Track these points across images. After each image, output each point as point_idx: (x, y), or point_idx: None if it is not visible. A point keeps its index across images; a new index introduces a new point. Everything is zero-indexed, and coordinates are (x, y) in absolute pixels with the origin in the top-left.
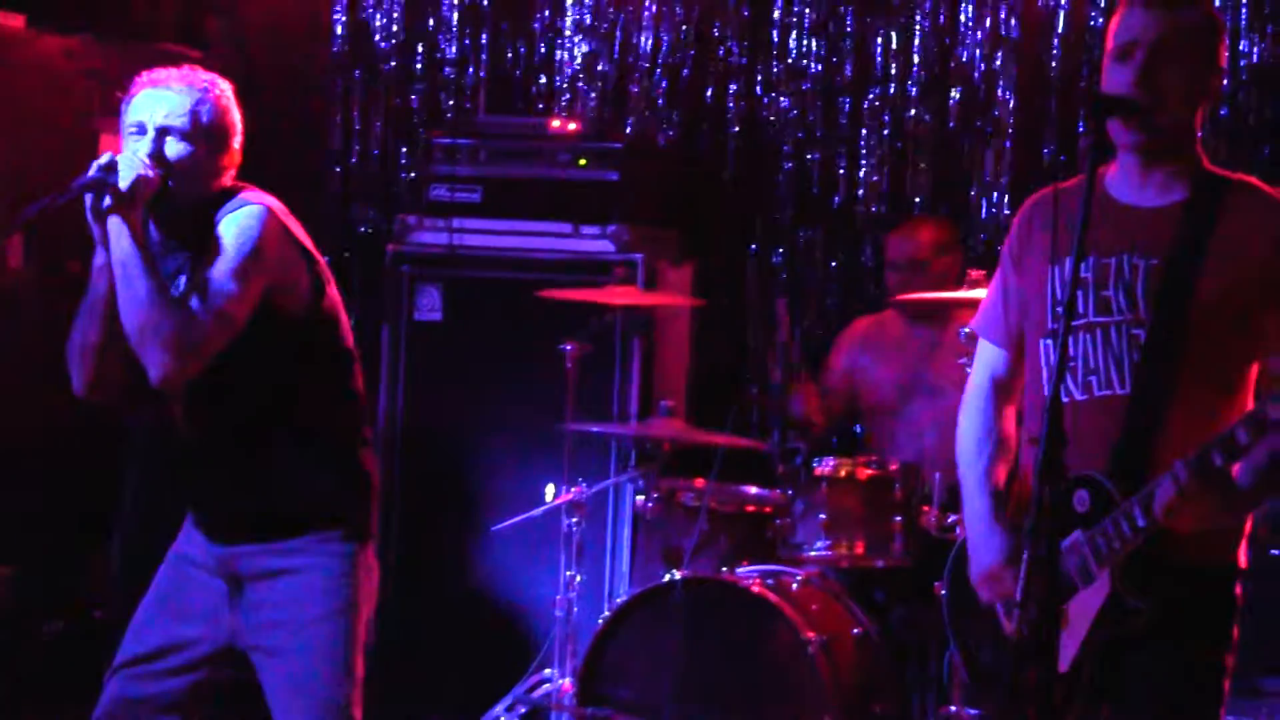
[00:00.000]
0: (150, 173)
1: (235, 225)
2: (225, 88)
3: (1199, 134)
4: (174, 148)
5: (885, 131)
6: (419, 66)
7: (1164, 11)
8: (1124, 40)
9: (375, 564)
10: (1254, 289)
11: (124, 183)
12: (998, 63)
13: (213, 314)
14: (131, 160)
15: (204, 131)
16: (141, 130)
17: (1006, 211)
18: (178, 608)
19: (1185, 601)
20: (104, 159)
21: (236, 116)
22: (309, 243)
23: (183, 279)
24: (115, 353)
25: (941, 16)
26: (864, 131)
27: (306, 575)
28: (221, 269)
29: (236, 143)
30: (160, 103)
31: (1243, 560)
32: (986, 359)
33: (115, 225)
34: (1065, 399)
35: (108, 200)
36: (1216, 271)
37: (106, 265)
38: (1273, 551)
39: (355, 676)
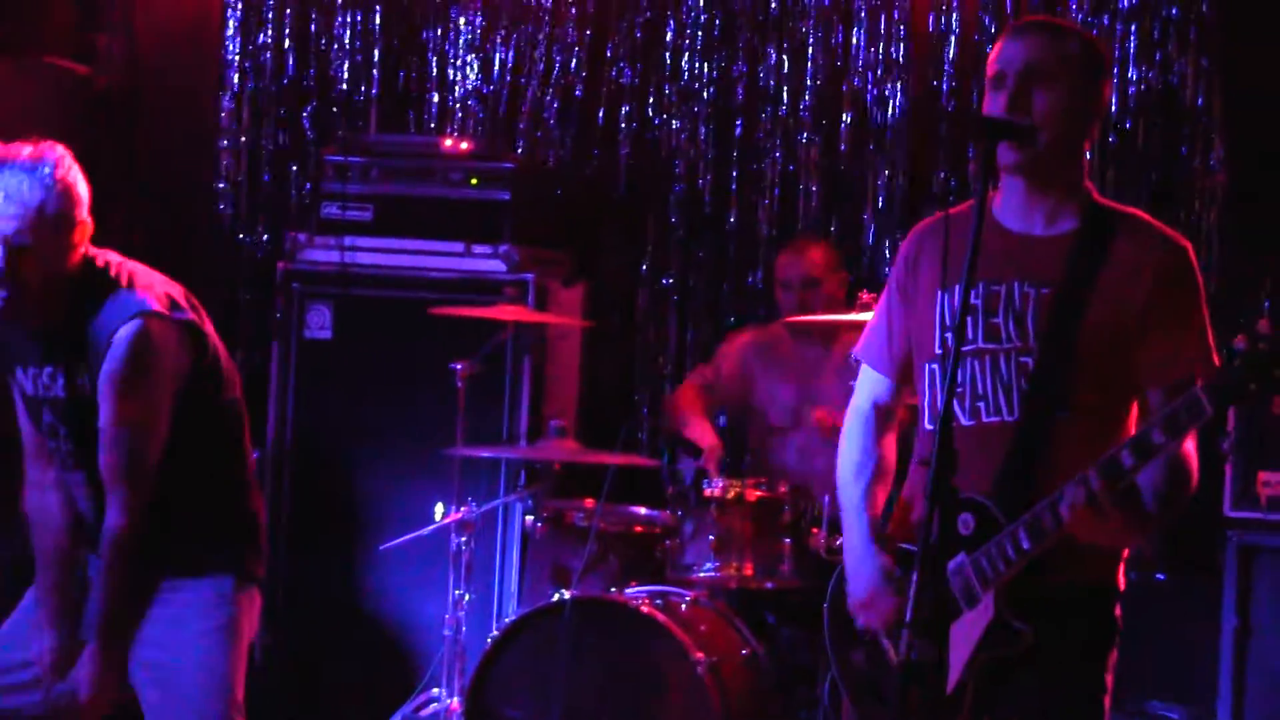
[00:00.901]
0: None
1: (115, 365)
2: (64, 161)
3: (1085, 167)
4: (25, 257)
5: (777, 154)
6: (310, 84)
7: (1035, 39)
8: (996, 70)
9: (258, 600)
10: (1137, 322)
11: None
12: (889, 86)
13: (135, 471)
14: None
15: (51, 224)
16: None
17: (896, 235)
18: (53, 622)
19: (1067, 623)
20: None
21: (81, 188)
22: (185, 306)
23: (60, 379)
24: None
25: (833, 40)
26: (755, 153)
27: (187, 597)
28: (119, 411)
29: (84, 211)
30: (2, 214)
31: (1121, 583)
32: (869, 385)
33: None
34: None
35: None
36: (1105, 303)
37: None
38: (1159, 576)
39: (235, 698)
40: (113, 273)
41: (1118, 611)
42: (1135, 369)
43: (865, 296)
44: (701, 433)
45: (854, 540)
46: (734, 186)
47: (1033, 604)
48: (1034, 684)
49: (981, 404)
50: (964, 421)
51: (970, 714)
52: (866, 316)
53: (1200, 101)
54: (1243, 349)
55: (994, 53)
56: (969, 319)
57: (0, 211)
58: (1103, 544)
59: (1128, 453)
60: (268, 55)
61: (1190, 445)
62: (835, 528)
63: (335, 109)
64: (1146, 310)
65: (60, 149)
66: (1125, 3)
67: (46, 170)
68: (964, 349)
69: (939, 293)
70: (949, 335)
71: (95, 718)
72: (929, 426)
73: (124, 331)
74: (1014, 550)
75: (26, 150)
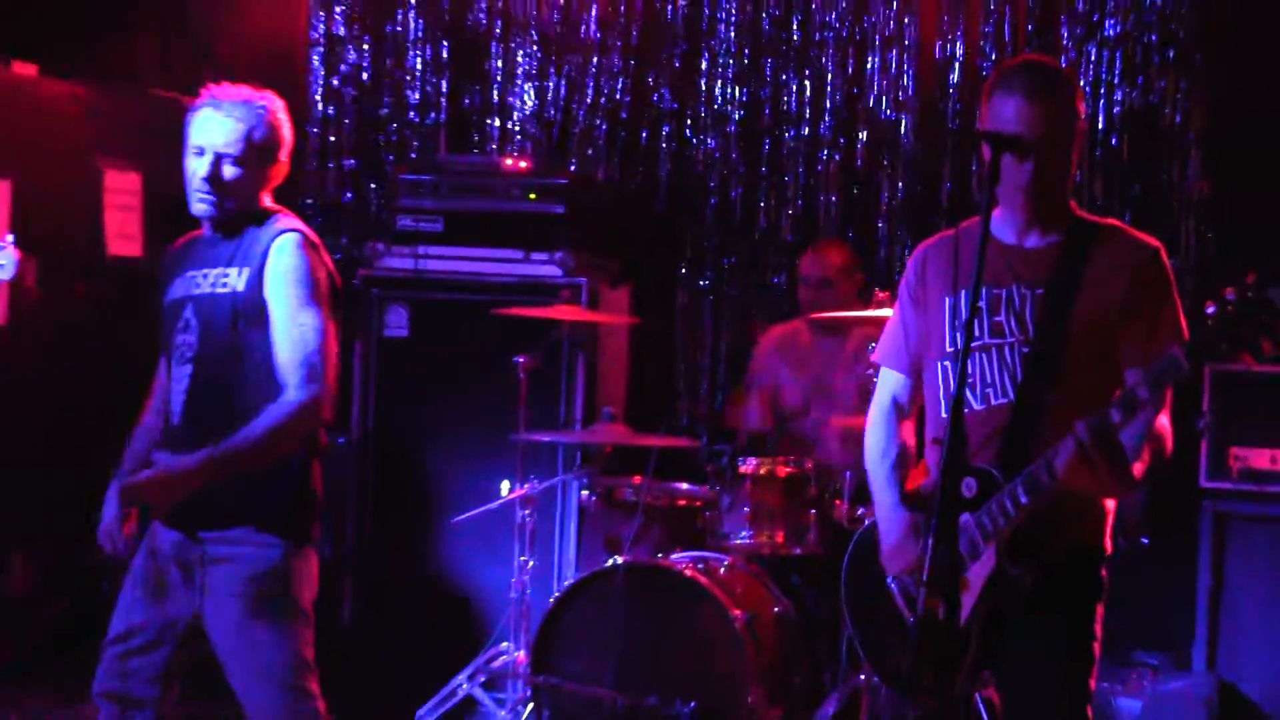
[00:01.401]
0: None
1: (286, 262)
2: (277, 106)
3: (1069, 188)
4: (229, 171)
5: (800, 169)
6: (386, 111)
7: (1042, 108)
8: (1015, 132)
9: (314, 562)
10: (1117, 315)
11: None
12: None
13: (317, 359)
14: None
15: (255, 151)
16: (201, 153)
17: (907, 240)
18: (149, 591)
19: (1059, 579)
20: None
21: (286, 132)
22: (329, 262)
23: (210, 277)
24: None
25: (849, 67)
26: (780, 169)
27: (248, 564)
28: (291, 317)
29: (284, 154)
30: (219, 129)
31: (1108, 547)
32: (889, 384)
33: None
34: (966, 410)
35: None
36: (1089, 300)
37: None
38: (1144, 540)
39: (302, 658)
40: (279, 211)
41: (1104, 573)
42: (1118, 353)
43: (880, 295)
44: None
45: (884, 506)
46: (761, 199)
47: (1029, 555)
48: (1032, 635)
49: (990, 390)
50: (976, 406)
51: (974, 663)
52: (879, 313)
53: (1179, 119)
54: (1213, 312)
55: (999, 102)
56: (976, 319)
57: (218, 126)
58: (1091, 494)
59: (1116, 409)
60: (349, 86)
61: (1165, 418)
62: (855, 500)
63: (409, 133)
64: (1126, 303)
65: (276, 98)
66: (1110, 31)
67: (262, 106)
68: (973, 345)
69: (947, 298)
70: (960, 334)
71: (140, 496)
72: (944, 415)
73: (289, 238)
74: (1013, 505)
75: (247, 90)
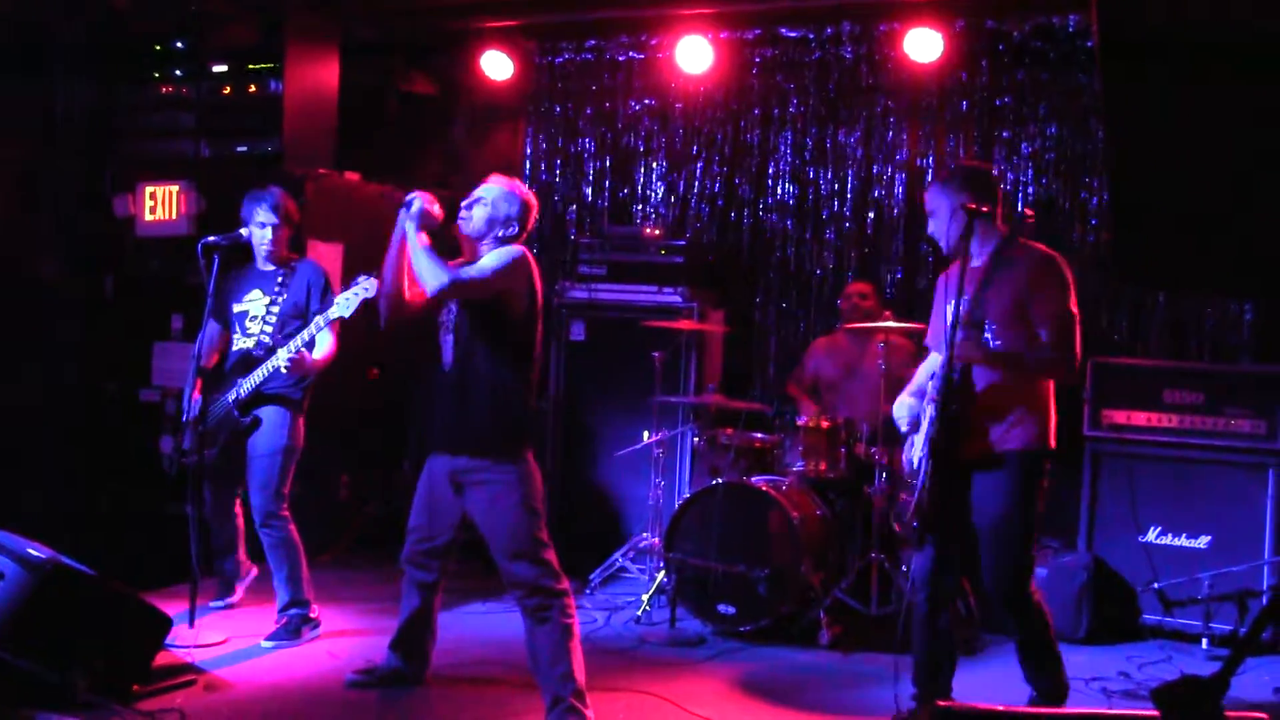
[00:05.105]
0: (436, 212)
1: (499, 252)
2: (524, 191)
3: (1000, 230)
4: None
5: (832, 236)
6: (570, 195)
7: (970, 181)
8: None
9: (536, 467)
10: (1028, 296)
11: (416, 209)
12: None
13: (467, 278)
14: (426, 206)
15: (503, 211)
16: (472, 205)
17: (898, 277)
18: (432, 502)
19: (1007, 466)
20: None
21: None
22: (537, 282)
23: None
24: (400, 302)
25: (863, 171)
26: (820, 235)
27: (498, 483)
28: (483, 265)
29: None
30: (485, 193)
31: (1051, 444)
32: (932, 358)
33: (410, 233)
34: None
35: (411, 220)
36: (1012, 288)
37: (400, 249)
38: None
39: (536, 532)
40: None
41: (1047, 464)
42: (1031, 320)
43: (888, 314)
44: (803, 406)
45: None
46: (806, 255)
47: (983, 460)
48: (996, 486)
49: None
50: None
51: (941, 504)
52: (889, 324)
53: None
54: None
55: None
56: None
57: (484, 192)
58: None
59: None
60: (546, 179)
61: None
62: (869, 443)
63: (585, 213)
64: (1030, 291)
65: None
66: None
67: (512, 188)
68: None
69: (946, 304)
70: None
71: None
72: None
73: (508, 247)
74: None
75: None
